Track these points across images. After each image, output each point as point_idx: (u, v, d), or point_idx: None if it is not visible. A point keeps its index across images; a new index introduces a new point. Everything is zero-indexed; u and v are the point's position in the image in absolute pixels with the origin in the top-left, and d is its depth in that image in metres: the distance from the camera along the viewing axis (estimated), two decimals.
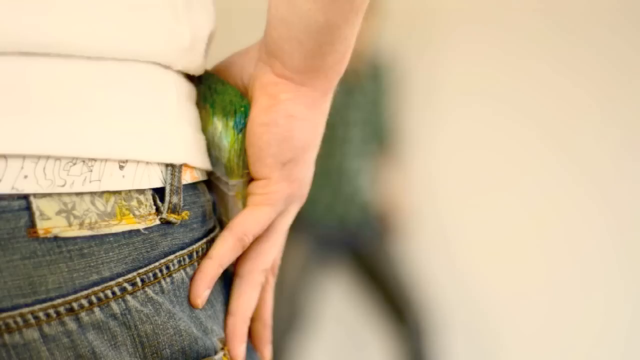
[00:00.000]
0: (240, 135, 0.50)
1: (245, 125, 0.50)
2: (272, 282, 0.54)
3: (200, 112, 0.52)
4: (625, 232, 3.07)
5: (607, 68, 3.01)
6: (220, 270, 0.49)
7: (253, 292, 0.51)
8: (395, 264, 2.56)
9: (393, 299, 2.57)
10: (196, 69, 0.49)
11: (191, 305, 0.47)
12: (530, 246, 3.02)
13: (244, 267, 0.51)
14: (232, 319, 0.50)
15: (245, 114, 0.50)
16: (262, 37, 0.49)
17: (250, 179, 0.52)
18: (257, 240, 0.51)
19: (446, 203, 2.90)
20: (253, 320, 0.53)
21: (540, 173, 3.04)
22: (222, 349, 0.48)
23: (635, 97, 3.03)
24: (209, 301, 0.48)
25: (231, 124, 0.50)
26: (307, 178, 0.52)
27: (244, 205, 0.53)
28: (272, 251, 0.52)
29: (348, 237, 2.53)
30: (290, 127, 0.49)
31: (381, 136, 2.58)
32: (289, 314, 2.52)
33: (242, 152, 0.51)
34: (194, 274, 0.47)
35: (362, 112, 2.51)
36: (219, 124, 0.51)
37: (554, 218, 3.04)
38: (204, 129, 0.51)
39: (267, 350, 0.53)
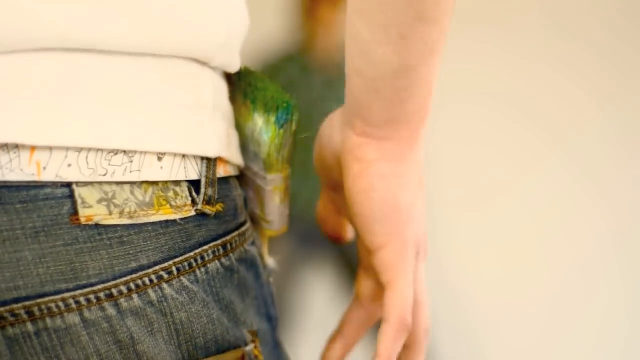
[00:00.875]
0: (281, 131, 0.50)
1: (287, 120, 0.50)
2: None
3: (239, 109, 0.52)
4: (625, 234, 3.07)
5: (605, 66, 3.01)
6: None
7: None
8: None
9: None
10: (232, 64, 0.50)
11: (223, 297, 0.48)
12: (523, 248, 3.02)
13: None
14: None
15: (287, 110, 0.50)
16: (344, 104, 0.50)
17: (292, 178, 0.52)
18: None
19: (434, 201, 2.90)
20: None
21: (536, 173, 3.05)
22: (253, 341, 0.49)
23: (635, 97, 3.04)
24: (239, 294, 0.49)
25: (273, 119, 0.50)
26: (421, 232, 0.50)
27: (281, 200, 0.54)
28: (424, 305, 0.52)
29: None
30: (388, 187, 0.48)
31: None
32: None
33: (282, 147, 0.51)
34: None
35: (341, 104, 2.50)
36: (259, 120, 0.51)
37: (549, 219, 3.05)
38: (243, 125, 0.52)
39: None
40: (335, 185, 0.54)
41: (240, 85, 0.53)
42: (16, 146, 0.40)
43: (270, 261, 0.57)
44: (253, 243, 0.52)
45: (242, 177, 0.54)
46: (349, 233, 0.57)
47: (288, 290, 2.57)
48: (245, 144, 0.53)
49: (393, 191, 0.48)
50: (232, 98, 0.53)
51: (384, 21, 0.44)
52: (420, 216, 0.50)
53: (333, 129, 0.51)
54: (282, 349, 0.55)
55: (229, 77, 0.53)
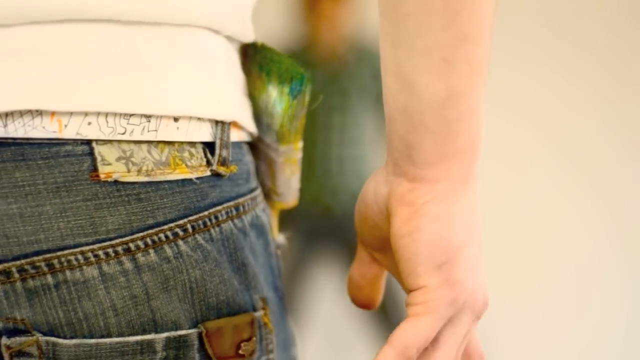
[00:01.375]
0: (294, 102, 0.52)
1: (300, 92, 0.51)
2: None
3: (254, 82, 0.54)
4: (623, 236, 3.08)
5: (605, 67, 3.01)
6: None
7: None
8: None
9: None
10: (244, 33, 0.52)
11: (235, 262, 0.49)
12: (525, 248, 3.03)
13: None
14: None
15: (301, 82, 0.51)
16: (386, 156, 0.48)
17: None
18: (424, 353, 0.48)
19: None
20: None
21: (536, 174, 3.05)
22: (263, 308, 0.50)
23: (634, 99, 3.04)
24: (251, 259, 0.50)
25: (286, 90, 0.52)
26: (471, 280, 0.47)
27: (292, 172, 0.55)
28: None
29: (335, 228, 2.52)
30: (436, 229, 0.45)
31: (363, 122, 2.56)
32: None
33: (295, 118, 0.52)
34: None
35: (345, 98, 2.49)
36: (273, 92, 0.52)
37: (549, 220, 3.05)
38: (257, 97, 0.54)
39: None
40: (381, 244, 0.52)
41: (256, 58, 0.54)
42: None
43: (279, 237, 0.58)
44: (264, 211, 0.53)
45: (254, 149, 0.55)
46: (379, 300, 0.55)
47: (294, 288, 2.57)
48: (259, 117, 0.54)
49: (441, 233, 0.46)
50: (248, 71, 0.55)
51: (425, 47, 0.43)
52: (474, 267, 0.47)
53: (378, 184, 0.49)
54: (288, 321, 0.55)
55: (246, 52, 0.55)
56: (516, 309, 3.03)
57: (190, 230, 0.46)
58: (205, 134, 0.47)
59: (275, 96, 0.53)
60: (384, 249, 0.52)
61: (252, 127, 0.53)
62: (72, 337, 0.43)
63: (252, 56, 0.55)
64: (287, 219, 2.77)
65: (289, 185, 0.57)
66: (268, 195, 0.57)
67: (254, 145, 0.55)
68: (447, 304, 0.46)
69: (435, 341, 0.47)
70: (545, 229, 3.05)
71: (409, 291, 0.47)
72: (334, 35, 2.54)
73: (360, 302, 0.55)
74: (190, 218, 0.46)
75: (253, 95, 0.54)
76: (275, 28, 2.64)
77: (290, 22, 2.67)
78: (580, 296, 3.06)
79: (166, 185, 0.45)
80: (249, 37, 0.53)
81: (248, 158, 0.52)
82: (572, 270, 3.06)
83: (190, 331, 0.46)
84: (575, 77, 3.01)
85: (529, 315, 3.06)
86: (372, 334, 2.71)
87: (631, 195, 3.08)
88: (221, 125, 0.48)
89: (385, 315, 2.53)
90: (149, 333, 0.44)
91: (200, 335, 0.46)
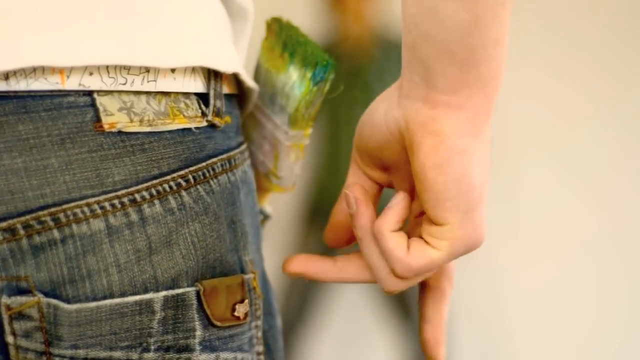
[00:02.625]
0: (315, 88, 0.51)
1: (322, 79, 0.51)
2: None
3: (275, 60, 0.54)
4: (620, 237, 3.05)
5: (603, 67, 2.99)
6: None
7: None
8: None
9: (401, 293, 2.55)
10: None
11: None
12: (523, 248, 3.02)
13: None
14: (430, 327, 0.53)
15: (326, 69, 0.51)
16: (402, 79, 0.48)
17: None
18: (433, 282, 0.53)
19: None
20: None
21: (534, 176, 3.04)
22: (252, 272, 0.50)
23: (633, 99, 3.02)
24: (241, 216, 0.49)
25: (309, 75, 0.51)
26: (484, 222, 0.48)
27: (296, 157, 0.55)
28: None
29: None
30: (465, 163, 0.45)
31: None
32: (300, 304, 2.53)
33: (311, 105, 0.52)
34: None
35: (368, 92, 2.46)
36: (294, 74, 0.52)
37: (547, 221, 3.03)
38: (275, 76, 0.53)
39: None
40: (382, 164, 0.52)
41: (281, 35, 0.54)
42: None
43: (268, 208, 0.58)
44: (250, 168, 0.52)
45: (261, 128, 0.55)
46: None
47: (313, 287, 2.57)
48: (273, 96, 0.54)
49: (468, 168, 0.46)
50: (270, 47, 0.54)
51: None
52: (486, 205, 0.48)
53: (390, 106, 0.48)
54: (270, 289, 0.55)
55: (270, 27, 0.55)
56: (515, 309, 3.03)
57: (192, 181, 0.45)
58: (199, 85, 0.47)
59: (296, 79, 0.52)
60: (385, 167, 0.52)
61: (250, 81, 0.52)
62: (74, 297, 0.42)
63: (276, 32, 0.54)
64: (312, 215, 2.79)
65: (291, 170, 0.56)
66: (266, 177, 0.57)
67: (262, 124, 0.55)
68: (466, 246, 0.47)
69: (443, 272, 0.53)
70: (544, 229, 3.04)
71: (432, 222, 0.47)
72: (361, 29, 2.53)
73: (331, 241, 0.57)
74: (191, 169, 0.45)
75: (272, 74, 0.54)
76: (302, 24, 2.64)
77: (317, 18, 2.66)
78: (579, 296, 3.05)
79: (168, 135, 0.45)
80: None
81: (237, 111, 0.52)
82: (570, 271, 3.04)
83: (188, 289, 0.45)
84: (571, 78, 2.99)
85: (528, 314, 3.05)
86: (392, 334, 2.69)
87: (630, 195, 3.05)
88: (214, 76, 0.48)
89: (407, 316, 2.52)
90: (149, 292, 0.44)
91: (198, 293, 0.45)
